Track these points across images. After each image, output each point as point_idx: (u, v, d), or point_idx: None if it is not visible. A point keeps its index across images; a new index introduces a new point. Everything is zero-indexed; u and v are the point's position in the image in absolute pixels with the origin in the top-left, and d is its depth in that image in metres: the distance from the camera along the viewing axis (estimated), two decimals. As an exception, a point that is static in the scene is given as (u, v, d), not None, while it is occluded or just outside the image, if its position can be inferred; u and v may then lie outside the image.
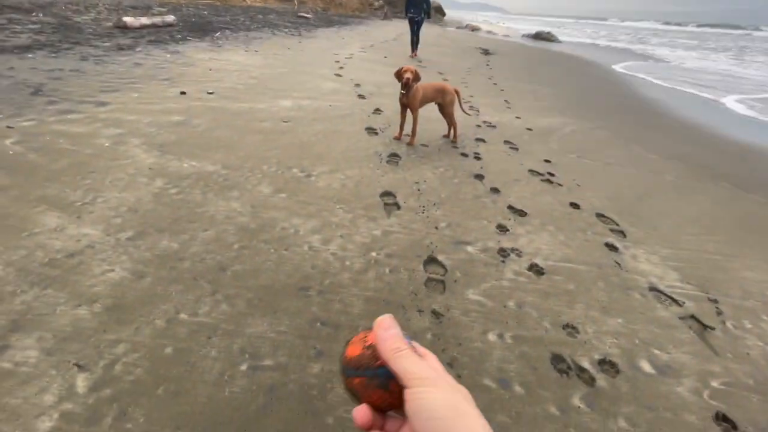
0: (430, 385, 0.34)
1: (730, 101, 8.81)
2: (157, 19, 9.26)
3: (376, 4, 31.74)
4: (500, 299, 2.00)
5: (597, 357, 1.72)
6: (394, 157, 3.69)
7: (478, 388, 1.51)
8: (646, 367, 1.71)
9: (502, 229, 2.67)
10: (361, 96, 5.76)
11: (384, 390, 0.37)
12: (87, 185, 2.53)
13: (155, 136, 3.41)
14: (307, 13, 19.26)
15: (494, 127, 5.05)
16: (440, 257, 2.28)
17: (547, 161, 4.04)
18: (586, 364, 1.68)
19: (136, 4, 12.31)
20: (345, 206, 2.70)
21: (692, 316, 2.06)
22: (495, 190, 3.23)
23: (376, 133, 4.25)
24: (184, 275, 1.88)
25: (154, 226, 2.21)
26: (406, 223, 2.59)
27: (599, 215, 3.04)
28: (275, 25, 13.32)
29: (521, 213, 2.91)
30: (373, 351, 0.38)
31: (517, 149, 4.30)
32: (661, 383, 1.64)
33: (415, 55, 11.01)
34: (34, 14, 8.60)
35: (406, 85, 3.78)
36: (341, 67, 7.83)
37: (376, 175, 3.25)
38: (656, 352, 1.80)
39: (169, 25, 9.49)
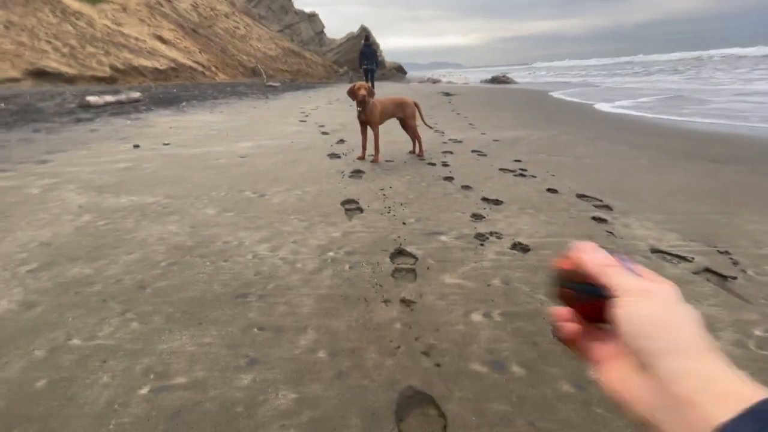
0: (642, 295, 0.31)
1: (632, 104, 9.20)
2: (122, 96, 9.41)
3: (341, 70, 33.88)
4: (483, 279, 1.67)
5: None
6: (357, 173, 3.48)
7: (465, 376, 1.14)
8: (671, 325, 1.37)
9: (477, 217, 2.40)
10: (324, 133, 5.70)
11: (589, 304, 0.37)
12: (-2, 228, 2.19)
13: (94, 181, 3.14)
14: (276, 83, 20.22)
15: (460, 142, 4.97)
16: (409, 248, 1.96)
17: (517, 161, 3.89)
18: (597, 332, 1.33)
19: (104, 90, 12.64)
20: (301, 216, 2.40)
21: (707, 269, 1.76)
22: (466, 187, 3.01)
23: (339, 157, 4.09)
24: (90, 299, 1.51)
25: (67, 256, 1.86)
26: (370, 223, 2.30)
27: (580, 195, 2.81)
28: (243, 93, 13.78)
29: (497, 202, 2.67)
30: (582, 269, 0.37)
31: (485, 155, 4.18)
32: (693, 340, 1.30)
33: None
34: (-5, 105, 8.63)
35: (363, 102, 3.69)
36: (306, 116, 7.92)
37: (338, 188, 3.00)
38: (677, 308, 1.47)
39: (135, 100, 9.64)
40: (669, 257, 1.90)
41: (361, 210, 2.52)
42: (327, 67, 32.72)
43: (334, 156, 4.12)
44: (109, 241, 2.03)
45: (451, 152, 4.33)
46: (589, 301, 0.37)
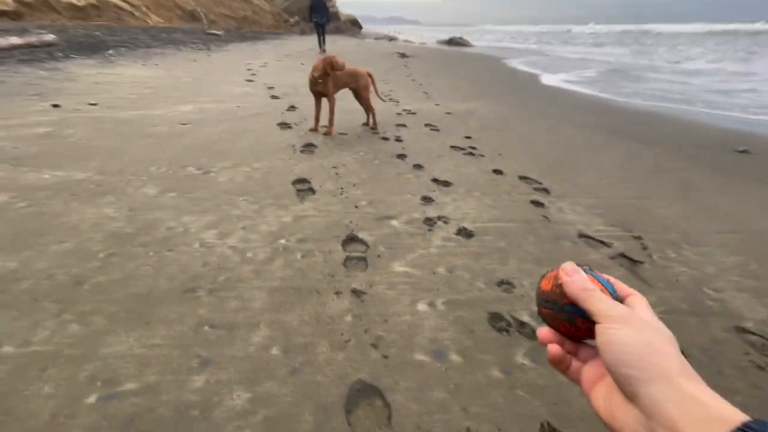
0: (621, 322, 0.33)
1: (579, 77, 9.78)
2: (32, 38, 8.12)
3: (292, 20, 31.46)
4: (429, 267, 1.78)
5: (536, 308, 1.56)
6: (309, 147, 3.40)
7: (409, 366, 1.26)
8: (587, 309, 1.58)
9: (427, 200, 2.49)
10: (274, 97, 5.41)
11: (570, 324, 0.39)
12: None
13: (7, 151, 2.79)
14: (218, 31, 18.39)
15: (414, 113, 4.97)
16: (361, 234, 2.02)
17: (468, 137, 4.00)
18: (525, 318, 1.50)
19: (8, 29, 10.79)
20: (250, 197, 2.34)
21: (622, 254, 2.01)
22: (418, 167, 3.07)
23: (290, 127, 3.94)
24: (19, 299, 1.42)
25: (-15, 247, 1.69)
26: (323, 206, 2.30)
27: (522, 177, 2.99)
28: (181, 42, 12.44)
29: (446, 183, 2.77)
30: (561, 290, 0.40)
31: (438, 130, 4.23)
32: (603, 323, 1.51)
33: (324, 50, 12.62)
34: None
35: (326, 74, 3.54)
36: (254, 74, 7.40)
37: (289, 165, 2.93)
38: (594, 293, 1.68)
39: (49, 44, 8.37)
40: (593, 242, 2.13)
41: (313, 191, 2.50)
42: (276, 15, 30.20)
43: (284, 126, 3.97)
44: (34, 228, 1.86)
45: (404, 125, 4.34)
46: (569, 321, 0.39)
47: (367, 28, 42.00)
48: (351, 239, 1.98)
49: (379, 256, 1.84)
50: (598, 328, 0.34)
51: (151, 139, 3.26)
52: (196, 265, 1.67)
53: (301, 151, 3.25)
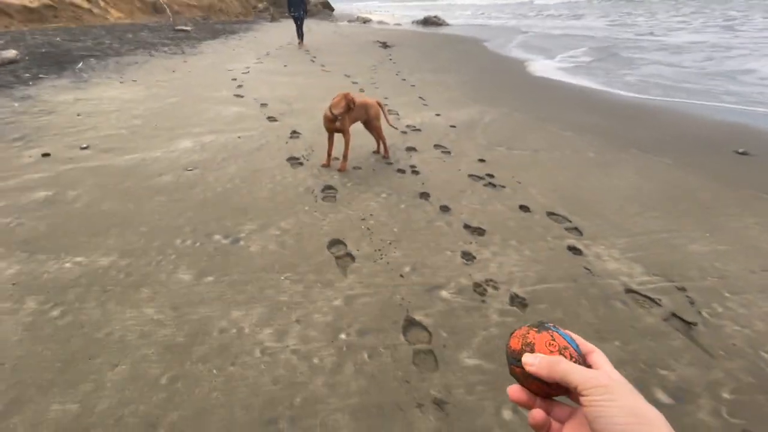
0: (603, 392, 0.35)
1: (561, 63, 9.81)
2: (-9, 57, 7.51)
3: (260, 6, 30.07)
4: (497, 357, 1.77)
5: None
6: (329, 190, 3.29)
7: (518, 500, 1.26)
8: (663, 397, 1.61)
9: (467, 257, 2.46)
10: (271, 118, 5.20)
11: (542, 382, 0.40)
12: None
13: (14, 230, 2.59)
14: (186, 25, 17.41)
15: (419, 130, 4.87)
16: (417, 316, 1.98)
17: (481, 161, 3.96)
18: (609, 417, 1.52)
19: (-41, 40, 9.93)
20: (291, 274, 2.26)
21: (673, 314, 2.05)
22: (445, 209, 3.02)
23: (301, 163, 3.80)
24: (95, 457, 1.34)
25: (34, 383, 1.58)
26: (367, 279, 2.25)
27: (550, 214, 2.99)
28: (151, 44, 11.74)
29: (480, 231, 2.74)
30: (531, 349, 0.41)
31: (449, 152, 4.17)
32: (684, 415, 1.54)
33: (302, 44, 12.84)
34: None
35: (348, 110, 3.40)
36: (240, 86, 7.08)
37: (316, 219, 2.84)
38: (663, 373, 1.71)
39: (11, 61, 7.77)
40: (641, 299, 2.15)
41: (352, 257, 2.43)
42: (244, 1, 28.78)
43: (294, 162, 3.82)
44: (78, 347, 1.75)
45: (414, 149, 4.25)
46: (539, 380, 0.41)
47: (338, 6, 40.61)
48: (410, 323, 1.94)
49: (444, 346, 1.82)
50: (583, 401, 0.37)
51: (161, 197, 3.09)
52: (266, 383, 1.61)
53: (323, 198, 3.15)
